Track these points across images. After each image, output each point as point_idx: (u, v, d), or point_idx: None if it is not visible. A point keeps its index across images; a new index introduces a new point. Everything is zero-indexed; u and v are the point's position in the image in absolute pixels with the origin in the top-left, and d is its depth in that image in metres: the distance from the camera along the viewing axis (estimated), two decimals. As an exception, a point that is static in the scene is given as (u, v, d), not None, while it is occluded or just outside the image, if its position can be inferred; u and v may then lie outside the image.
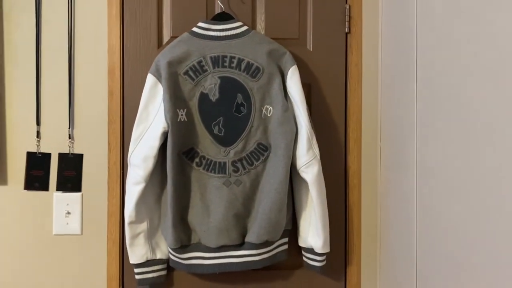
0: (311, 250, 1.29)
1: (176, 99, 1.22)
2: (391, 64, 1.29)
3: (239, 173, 1.25)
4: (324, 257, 1.28)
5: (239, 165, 1.25)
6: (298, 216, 1.32)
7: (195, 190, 1.24)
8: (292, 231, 1.33)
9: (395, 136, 1.26)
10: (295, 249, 1.35)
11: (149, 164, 1.21)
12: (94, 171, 1.33)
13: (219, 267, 1.24)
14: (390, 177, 1.30)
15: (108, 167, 1.33)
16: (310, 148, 1.25)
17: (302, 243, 1.31)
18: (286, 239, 1.31)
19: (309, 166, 1.24)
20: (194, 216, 1.24)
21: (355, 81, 1.38)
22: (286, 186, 1.24)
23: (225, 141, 1.25)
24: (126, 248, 1.30)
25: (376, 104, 1.39)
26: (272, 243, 1.27)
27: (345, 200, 1.39)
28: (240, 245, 1.25)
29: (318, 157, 1.25)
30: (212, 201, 1.24)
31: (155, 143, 1.21)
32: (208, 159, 1.25)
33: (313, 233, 1.27)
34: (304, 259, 1.32)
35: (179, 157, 1.22)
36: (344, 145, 1.39)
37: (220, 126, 1.25)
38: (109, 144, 1.33)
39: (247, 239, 1.24)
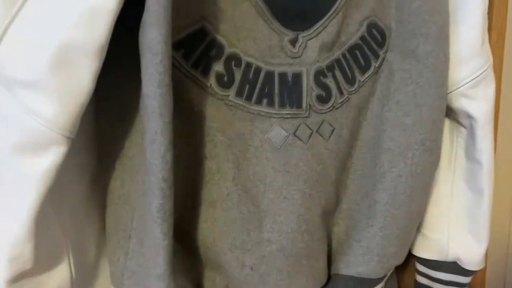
0: (453, 266, 0.61)
1: None
2: None
3: (331, 103, 0.46)
4: (472, 276, 0.62)
5: (329, 81, 0.46)
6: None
7: (221, 155, 0.42)
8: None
9: None
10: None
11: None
12: None
13: None
14: None
15: None
16: (484, 43, 0.53)
17: (434, 254, 0.61)
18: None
19: (480, 83, 0.53)
20: (218, 227, 0.43)
21: None
22: (441, 136, 0.51)
23: (295, 15, 0.44)
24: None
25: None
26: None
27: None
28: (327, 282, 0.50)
29: (492, 65, 0.55)
30: (266, 181, 0.44)
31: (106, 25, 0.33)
32: (250, 64, 0.43)
33: (464, 235, 0.58)
34: (432, 283, 0.63)
35: (167, 61, 0.37)
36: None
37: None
38: None
39: (345, 269, 0.50)
